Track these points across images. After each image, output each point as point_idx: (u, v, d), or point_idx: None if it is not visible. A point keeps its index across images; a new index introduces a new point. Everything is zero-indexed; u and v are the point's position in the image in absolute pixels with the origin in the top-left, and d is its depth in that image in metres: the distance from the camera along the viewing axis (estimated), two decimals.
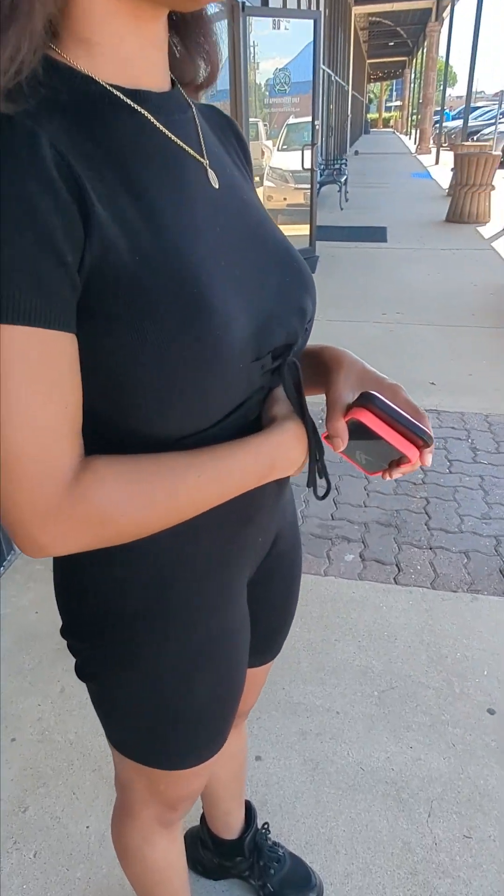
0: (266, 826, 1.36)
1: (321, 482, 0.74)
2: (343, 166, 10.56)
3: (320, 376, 0.75)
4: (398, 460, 0.69)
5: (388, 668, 1.91)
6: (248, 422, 0.68)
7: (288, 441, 0.67)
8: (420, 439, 0.66)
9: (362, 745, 1.67)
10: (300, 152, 6.80)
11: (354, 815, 1.51)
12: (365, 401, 0.66)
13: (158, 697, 0.77)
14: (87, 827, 1.47)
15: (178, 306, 0.55)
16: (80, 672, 0.79)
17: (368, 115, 52.14)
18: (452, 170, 9.51)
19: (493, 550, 2.44)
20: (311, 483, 0.74)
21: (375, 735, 1.70)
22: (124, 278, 0.54)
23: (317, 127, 6.57)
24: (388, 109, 75.84)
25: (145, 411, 0.58)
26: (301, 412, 0.70)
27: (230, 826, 1.29)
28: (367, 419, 0.66)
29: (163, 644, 0.74)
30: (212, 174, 0.67)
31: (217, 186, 0.67)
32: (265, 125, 7.38)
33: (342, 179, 10.20)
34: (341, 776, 1.59)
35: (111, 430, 0.61)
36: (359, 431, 0.67)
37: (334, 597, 2.20)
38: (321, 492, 0.76)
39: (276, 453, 0.66)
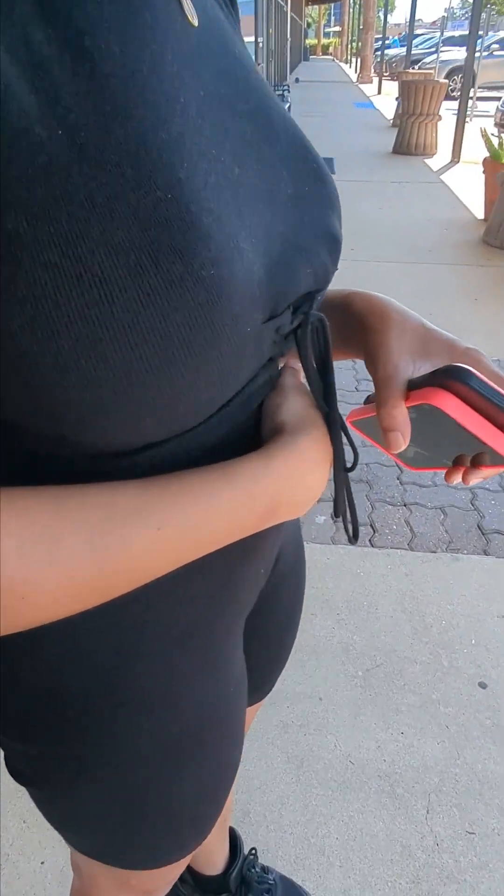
0: (253, 852, 1.18)
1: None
2: (286, 92, 9.96)
3: (352, 337, 0.51)
4: (476, 456, 0.46)
5: (371, 643, 1.74)
6: (248, 416, 0.44)
7: (303, 466, 0.43)
8: None
9: (350, 735, 1.51)
10: None
11: (347, 818, 1.35)
12: (451, 378, 0.41)
13: (128, 801, 0.56)
14: (42, 863, 1.26)
15: (138, 226, 0.31)
16: (16, 775, 0.56)
17: (307, 41, 49.93)
18: (397, 99, 9.10)
19: (469, 505, 2.29)
20: (344, 517, 0.52)
21: (363, 722, 1.54)
22: (35, 170, 0.29)
23: (260, 45, 6.08)
24: (327, 35, 72.88)
25: (76, 411, 0.34)
26: (327, 404, 0.47)
27: (213, 862, 1.10)
28: (453, 407, 0.42)
29: (132, 738, 0.52)
30: (188, 2, 0.40)
31: (196, 24, 0.40)
32: None
33: (286, 106, 9.62)
34: (330, 773, 1.43)
35: (15, 441, 0.36)
36: (424, 418, 0.44)
37: (308, 565, 1.99)
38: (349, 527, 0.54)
39: (283, 488, 0.42)
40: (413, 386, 0.45)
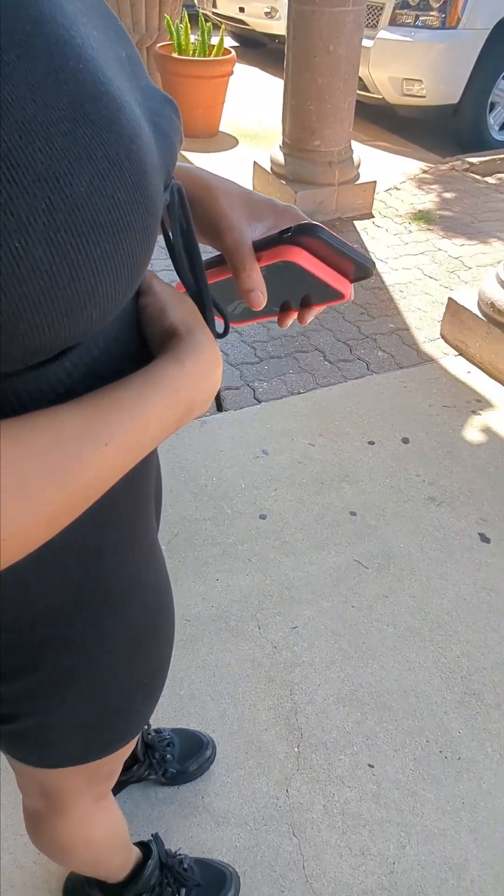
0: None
1: None
2: None
3: None
4: (304, 298, 0.57)
5: (164, 518, 1.89)
6: (126, 310, 0.47)
7: (208, 364, 0.47)
8: (365, 269, 0.53)
9: (176, 599, 1.67)
10: None
11: (201, 662, 1.55)
12: (306, 235, 0.49)
13: (109, 694, 0.64)
14: None
15: (68, 104, 0.31)
16: None
17: None
18: None
19: None
20: (217, 400, 0.58)
21: (182, 584, 1.71)
22: None
23: None
24: None
25: (26, 318, 0.33)
26: (194, 278, 0.51)
27: None
28: (306, 259, 0.51)
29: (109, 635, 0.60)
30: None
31: None
32: None
33: None
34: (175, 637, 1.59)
35: None
36: (271, 274, 0.53)
37: None
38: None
39: (197, 387, 0.46)
40: (259, 247, 0.52)
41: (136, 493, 0.57)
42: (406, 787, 1.33)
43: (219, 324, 0.54)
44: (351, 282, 0.54)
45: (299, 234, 0.49)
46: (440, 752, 1.39)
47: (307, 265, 0.51)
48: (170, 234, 0.48)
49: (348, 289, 0.54)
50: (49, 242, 0.31)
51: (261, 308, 0.52)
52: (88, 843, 0.88)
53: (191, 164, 0.54)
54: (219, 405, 0.59)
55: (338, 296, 0.54)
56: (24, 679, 0.57)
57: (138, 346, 0.48)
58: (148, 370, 0.43)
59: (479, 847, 1.25)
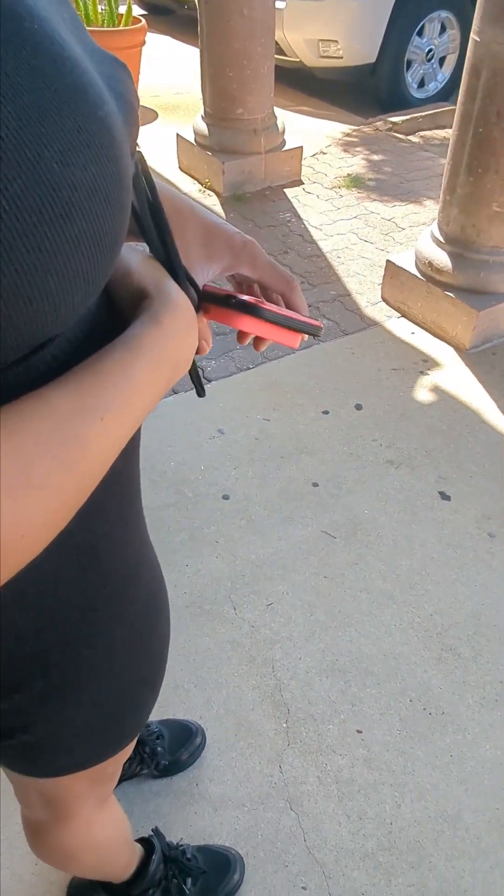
0: None
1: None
2: None
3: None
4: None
5: None
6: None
7: (185, 323, 0.45)
8: (311, 334, 0.57)
9: None
10: None
11: (181, 650, 1.53)
12: (248, 312, 0.50)
13: (116, 690, 0.63)
14: None
15: (24, 64, 0.28)
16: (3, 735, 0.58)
17: None
18: None
19: None
20: (197, 381, 0.56)
21: None
22: None
23: None
24: None
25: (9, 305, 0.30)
26: (163, 245, 0.47)
27: None
28: (250, 326, 0.51)
29: (112, 629, 0.59)
30: None
31: None
32: None
33: None
34: None
35: None
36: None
37: None
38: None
39: (178, 347, 0.44)
40: (208, 297, 0.51)
41: (125, 484, 0.55)
42: (395, 748, 1.36)
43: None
44: (298, 334, 0.56)
45: (243, 310, 0.50)
46: (424, 709, 1.42)
47: (254, 331, 0.52)
48: (135, 204, 0.45)
49: (296, 341, 0.56)
50: (24, 226, 0.28)
51: (203, 355, 0.53)
52: (94, 846, 0.86)
53: None
54: (201, 380, 0.57)
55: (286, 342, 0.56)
56: (31, 689, 0.55)
57: (115, 320, 0.46)
58: (127, 337, 0.41)
59: (470, 796, 1.29)
